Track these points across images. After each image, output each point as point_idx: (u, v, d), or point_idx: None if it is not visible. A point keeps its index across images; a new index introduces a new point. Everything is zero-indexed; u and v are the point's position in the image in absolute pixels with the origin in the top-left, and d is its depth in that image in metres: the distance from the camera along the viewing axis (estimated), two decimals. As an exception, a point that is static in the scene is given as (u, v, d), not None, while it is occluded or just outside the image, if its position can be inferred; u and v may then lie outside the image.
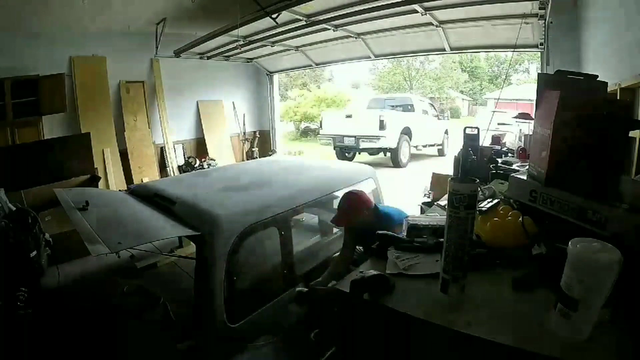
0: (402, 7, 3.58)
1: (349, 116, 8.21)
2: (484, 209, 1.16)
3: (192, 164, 6.14)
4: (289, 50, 5.79)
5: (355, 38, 4.97)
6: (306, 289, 2.03)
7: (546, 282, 0.84)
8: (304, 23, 4.15)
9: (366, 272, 0.94)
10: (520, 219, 1.05)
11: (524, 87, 12.37)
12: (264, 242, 2.46)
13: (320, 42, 5.31)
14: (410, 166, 8.27)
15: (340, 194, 2.98)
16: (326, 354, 1.78)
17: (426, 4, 3.53)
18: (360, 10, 3.68)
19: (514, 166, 1.89)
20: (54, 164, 3.91)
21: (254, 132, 7.48)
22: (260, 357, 1.96)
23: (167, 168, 5.93)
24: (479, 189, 1.05)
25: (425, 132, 9.04)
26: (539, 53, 4.18)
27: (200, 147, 6.50)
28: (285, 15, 3.82)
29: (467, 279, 0.85)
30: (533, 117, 1.31)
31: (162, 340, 2.00)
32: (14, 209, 2.83)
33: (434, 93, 21.70)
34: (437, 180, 3.78)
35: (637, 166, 1.62)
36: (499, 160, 2.07)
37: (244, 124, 7.31)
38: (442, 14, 3.87)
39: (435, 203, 1.76)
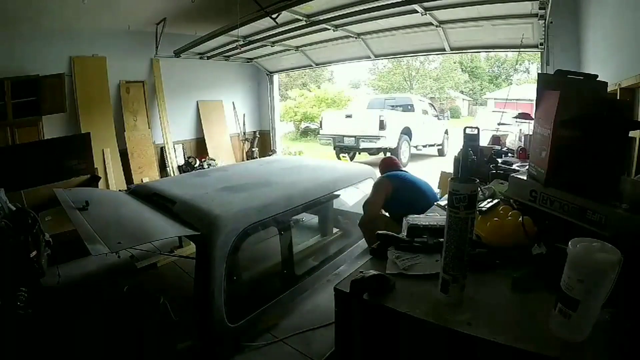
0: (402, 7, 3.58)
1: (349, 116, 8.21)
2: (484, 209, 1.16)
3: (192, 164, 6.14)
4: (289, 50, 5.79)
5: (355, 38, 4.96)
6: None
7: (546, 282, 0.84)
8: (304, 23, 4.15)
9: (366, 272, 0.94)
10: (520, 219, 1.05)
11: (524, 87, 12.37)
12: (263, 242, 2.46)
13: (320, 42, 5.30)
14: (410, 166, 8.27)
15: (340, 193, 2.99)
16: (326, 353, 1.78)
17: (426, 4, 3.52)
18: (360, 10, 3.68)
19: (514, 166, 1.89)
20: (54, 164, 3.90)
21: (254, 132, 7.48)
22: (260, 357, 1.96)
23: (167, 168, 5.93)
24: (479, 189, 1.05)
25: (425, 132, 9.03)
26: (539, 53, 4.18)
27: (200, 147, 6.50)
28: (285, 15, 3.82)
29: (467, 279, 0.85)
30: (533, 117, 1.30)
31: (162, 340, 2.00)
32: (14, 209, 2.82)
33: (434, 93, 21.70)
34: (445, 179, 3.80)
35: (637, 166, 1.62)
36: (499, 160, 2.06)
37: (244, 124, 7.32)
38: (442, 14, 3.87)
39: (435, 203, 1.76)
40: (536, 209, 1.07)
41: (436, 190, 4.21)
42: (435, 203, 1.75)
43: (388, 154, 8.06)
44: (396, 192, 2.43)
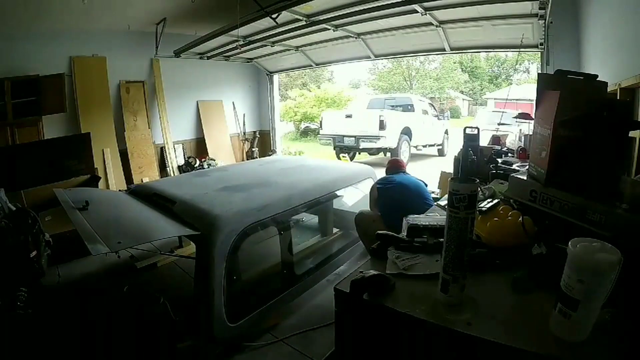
0: (402, 7, 3.58)
1: (349, 116, 8.21)
2: (484, 209, 1.16)
3: (192, 164, 6.14)
4: (289, 50, 5.78)
5: (355, 38, 4.96)
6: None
7: (546, 282, 0.84)
8: (304, 23, 4.15)
9: (366, 272, 0.94)
10: (520, 219, 1.05)
11: (524, 87, 12.37)
12: (263, 242, 2.46)
13: (320, 42, 5.30)
14: (410, 166, 8.25)
15: (340, 193, 2.99)
16: (326, 353, 1.78)
17: (426, 4, 3.52)
18: (360, 10, 3.68)
19: (514, 166, 1.89)
20: (54, 164, 3.91)
21: (254, 132, 7.48)
22: (260, 357, 1.96)
23: (167, 168, 5.93)
24: (479, 189, 1.05)
25: (425, 132, 9.03)
26: (539, 53, 4.18)
27: (200, 147, 6.50)
28: (285, 15, 3.82)
29: (467, 279, 0.85)
30: (533, 117, 1.30)
31: (162, 339, 2.00)
32: (14, 209, 2.83)
33: (434, 93, 21.69)
34: (445, 179, 3.81)
35: (637, 166, 1.62)
36: (499, 160, 2.06)
37: (244, 124, 7.31)
38: (442, 14, 3.87)
39: (435, 203, 1.76)
40: (536, 209, 1.07)
41: (436, 190, 4.23)
42: (436, 203, 1.75)
43: (388, 154, 8.07)
44: (380, 195, 2.61)
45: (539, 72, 4.86)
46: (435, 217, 1.38)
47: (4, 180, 3.20)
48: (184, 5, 4.52)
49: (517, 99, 8.97)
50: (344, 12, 3.81)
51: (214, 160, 6.33)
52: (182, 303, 2.13)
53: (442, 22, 4.09)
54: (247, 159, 7.04)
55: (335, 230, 3.23)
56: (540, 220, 1.05)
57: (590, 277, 0.66)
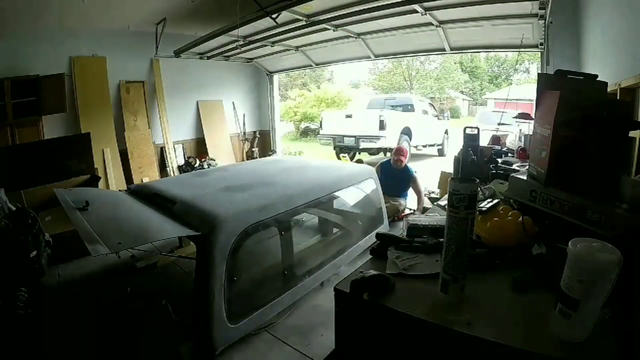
0: (402, 7, 3.58)
1: (349, 116, 8.20)
2: (484, 209, 1.16)
3: (192, 164, 6.14)
4: (289, 50, 5.78)
5: (355, 38, 4.96)
6: None
7: (546, 282, 0.84)
8: (304, 23, 4.15)
9: (366, 272, 0.94)
10: (520, 219, 1.05)
11: (524, 87, 12.37)
12: (264, 242, 2.46)
13: (320, 42, 5.30)
14: (410, 166, 8.24)
15: (340, 194, 2.99)
16: (326, 353, 1.78)
17: (426, 4, 3.52)
18: (360, 10, 3.68)
19: (514, 166, 1.89)
20: (54, 164, 3.90)
21: (254, 132, 7.48)
22: (259, 357, 1.96)
23: (167, 168, 5.93)
24: (479, 189, 1.05)
25: (425, 132, 9.03)
26: (539, 53, 4.18)
27: (200, 147, 6.50)
28: (285, 15, 3.82)
29: (467, 279, 0.85)
30: (533, 117, 1.30)
31: (163, 340, 2.00)
32: (14, 209, 2.83)
33: (434, 93, 21.70)
34: (445, 179, 3.82)
35: (637, 166, 1.62)
36: (499, 160, 2.06)
37: (244, 124, 7.31)
38: (442, 14, 3.87)
39: (435, 203, 1.76)
40: (536, 209, 1.07)
41: (436, 190, 4.24)
42: (435, 203, 1.75)
43: (388, 154, 8.06)
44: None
45: (539, 72, 4.86)
46: (435, 217, 1.38)
47: (4, 180, 3.20)
48: (184, 5, 4.52)
49: (517, 99, 8.97)
50: (344, 12, 3.81)
51: (214, 160, 6.33)
52: (182, 303, 2.13)
53: (442, 22, 4.09)
54: (247, 159, 7.04)
55: (335, 230, 3.23)
56: (540, 220, 1.05)
57: (590, 277, 0.66)
